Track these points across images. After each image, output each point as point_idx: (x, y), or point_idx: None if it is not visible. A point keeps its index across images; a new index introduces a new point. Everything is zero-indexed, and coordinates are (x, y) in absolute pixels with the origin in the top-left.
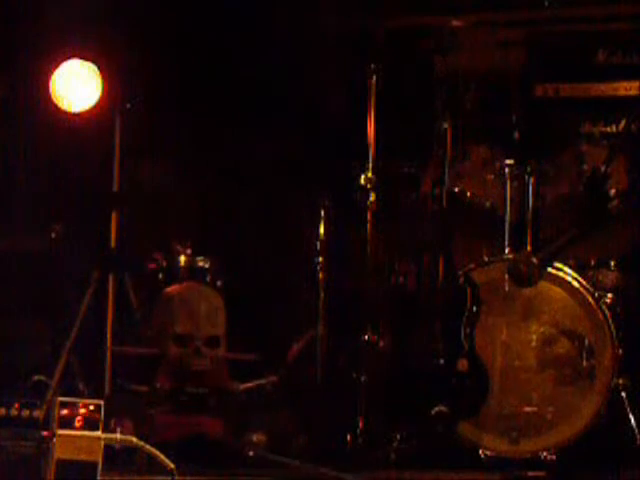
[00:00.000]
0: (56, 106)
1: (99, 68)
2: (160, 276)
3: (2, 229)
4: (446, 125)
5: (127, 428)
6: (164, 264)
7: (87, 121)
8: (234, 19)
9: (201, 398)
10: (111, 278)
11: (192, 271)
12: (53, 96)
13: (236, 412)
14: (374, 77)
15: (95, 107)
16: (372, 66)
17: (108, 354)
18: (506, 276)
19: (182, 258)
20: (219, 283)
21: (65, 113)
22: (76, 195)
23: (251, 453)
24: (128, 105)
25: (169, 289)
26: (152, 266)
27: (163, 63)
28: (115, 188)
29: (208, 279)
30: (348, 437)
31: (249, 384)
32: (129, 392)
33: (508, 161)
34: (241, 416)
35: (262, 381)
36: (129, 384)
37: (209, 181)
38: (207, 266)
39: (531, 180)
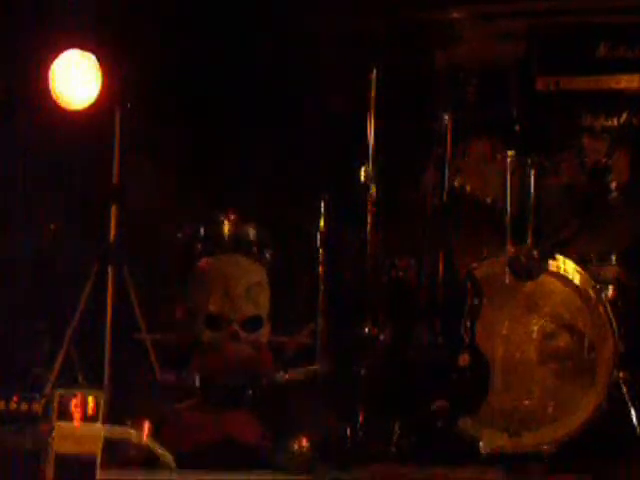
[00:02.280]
0: (55, 101)
1: (99, 61)
2: (199, 247)
3: (0, 226)
4: (447, 119)
5: (145, 430)
6: (202, 233)
7: (86, 116)
8: (234, 18)
9: (237, 391)
10: (110, 271)
11: (235, 241)
12: (52, 91)
13: (276, 408)
14: (374, 72)
15: (95, 103)
16: (372, 63)
17: (108, 348)
18: (507, 270)
19: (225, 226)
20: (268, 255)
21: (64, 108)
22: (75, 190)
23: (292, 463)
24: (128, 105)
25: (203, 262)
26: (181, 238)
27: (164, 58)
28: (115, 180)
29: (254, 250)
30: (348, 431)
31: (295, 373)
32: (154, 385)
33: (509, 154)
34: (281, 413)
35: (311, 368)
36: (156, 375)
37: (208, 179)
38: (253, 235)
39: (532, 173)
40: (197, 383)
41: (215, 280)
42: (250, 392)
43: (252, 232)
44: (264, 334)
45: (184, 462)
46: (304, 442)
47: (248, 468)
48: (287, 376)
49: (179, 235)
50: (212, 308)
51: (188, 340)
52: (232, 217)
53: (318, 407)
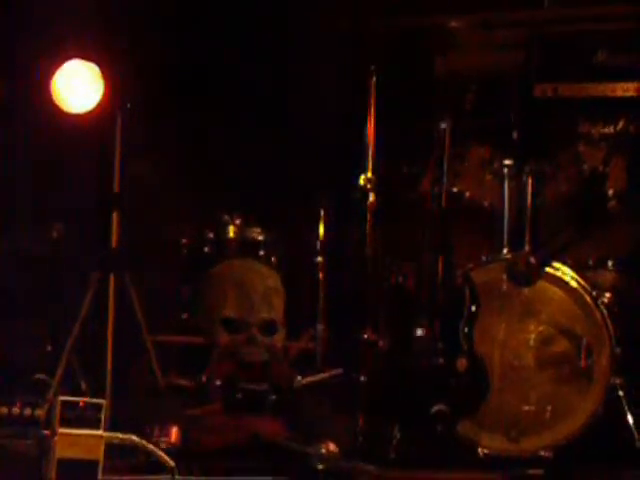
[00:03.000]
0: (57, 107)
1: (100, 69)
2: (206, 249)
3: (3, 229)
4: (445, 125)
5: (172, 435)
6: (211, 237)
7: (88, 122)
8: (234, 20)
9: (259, 395)
10: (112, 277)
11: (243, 244)
12: (54, 97)
13: (299, 413)
14: (374, 77)
15: (96, 108)
16: (372, 66)
17: (109, 353)
18: (504, 276)
19: (231, 229)
20: (273, 259)
21: (66, 114)
22: (77, 195)
23: (320, 467)
24: (128, 105)
25: (218, 266)
26: (186, 242)
27: (164, 64)
28: (116, 188)
29: (262, 253)
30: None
31: (311, 378)
32: (172, 389)
33: (507, 161)
34: (305, 418)
35: (327, 374)
36: (171, 379)
37: (208, 180)
38: (261, 238)
39: (529, 180)
40: (218, 387)
41: (232, 284)
42: (273, 397)
43: (259, 235)
44: (279, 339)
45: (211, 464)
46: (332, 446)
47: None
48: (303, 381)
49: (183, 240)
50: (229, 312)
51: (203, 343)
52: (238, 220)
53: (339, 411)
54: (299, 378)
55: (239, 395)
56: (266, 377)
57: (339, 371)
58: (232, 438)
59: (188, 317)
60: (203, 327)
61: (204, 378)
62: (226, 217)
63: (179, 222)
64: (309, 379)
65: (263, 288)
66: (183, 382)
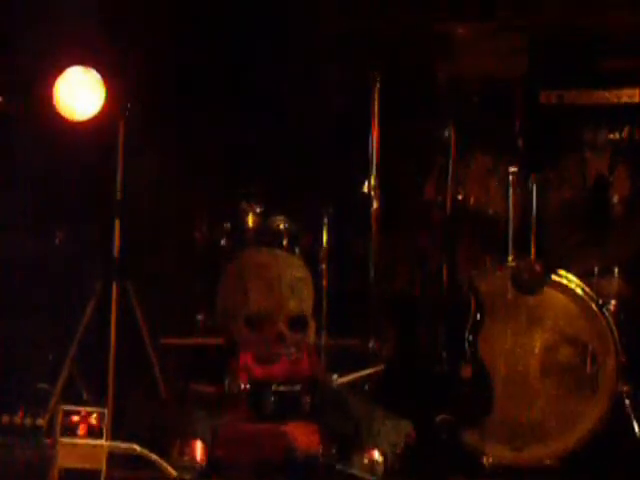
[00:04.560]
0: (59, 114)
1: (102, 75)
2: (223, 242)
3: (6, 236)
4: (449, 132)
5: (197, 452)
6: (228, 228)
7: (90, 129)
8: (234, 22)
9: (292, 398)
10: (114, 286)
11: (264, 234)
12: (56, 104)
13: (338, 416)
14: (377, 83)
15: (98, 114)
16: (376, 72)
17: (111, 362)
18: (509, 283)
19: (250, 218)
20: (297, 250)
21: (68, 121)
22: (79, 202)
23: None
24: (129, 105)
25: (236, 258)
26: (198, 235)
27: (166, 69)
28: (118, 195)
29: (285, 243)
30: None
31: (349, 376)
32: (193, 396)
33: (511, 168)
34: (344, 421)
35: (366, 372)
36: (190, 385)
37: (208, 182)
38: (283, 227)
39: (534, 187)
40: (244, 392)
41: (253, 276)
42: (309, 399)
43: (282, 224)
44: (310, 335)
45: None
46: (375, 454)
47: None
48: (340, 381)
49: (196, 234)
50: (253, 307)
51: (224, 345)
52: (258, 209)
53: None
54: (335, 376)
55: (270, 399)
56: (298, 378)
57: (380, 367)
58: (264, 453)
59: (205, 318)
60: (223, 327)
61: (227, 382)
62: (244, 205)
63: (188, 220)
64: (346, 377)
65: (289, 279)
66: (205, 388)
